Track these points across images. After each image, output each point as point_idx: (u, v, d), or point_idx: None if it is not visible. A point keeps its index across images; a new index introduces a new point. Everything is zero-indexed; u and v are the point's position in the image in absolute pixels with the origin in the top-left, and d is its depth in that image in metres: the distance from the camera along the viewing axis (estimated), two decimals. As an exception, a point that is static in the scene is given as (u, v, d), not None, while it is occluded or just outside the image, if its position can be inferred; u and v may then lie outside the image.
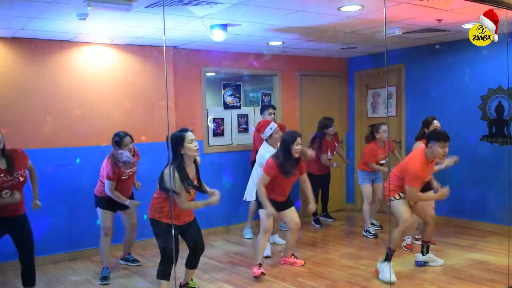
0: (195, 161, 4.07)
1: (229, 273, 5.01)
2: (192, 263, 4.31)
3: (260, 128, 5.70)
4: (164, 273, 4.00)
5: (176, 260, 4.05)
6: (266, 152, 5.32)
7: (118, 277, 4.99)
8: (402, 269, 4.86)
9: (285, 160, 4.73)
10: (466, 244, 5.73)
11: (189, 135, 3.88)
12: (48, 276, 5.08)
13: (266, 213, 4.83)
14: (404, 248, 5.53)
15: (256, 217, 6.16)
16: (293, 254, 5.26)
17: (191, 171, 3.98)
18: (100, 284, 4.81)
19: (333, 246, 5.89)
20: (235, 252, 5.79)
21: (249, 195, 5.97)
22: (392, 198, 4.62)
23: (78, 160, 5.66)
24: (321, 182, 7.04)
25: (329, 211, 7.42)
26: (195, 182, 4.02)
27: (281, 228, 6.42)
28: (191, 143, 3.86)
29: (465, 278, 4.56)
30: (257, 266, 4.84)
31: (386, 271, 4.54)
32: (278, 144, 5.12)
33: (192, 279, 4.45)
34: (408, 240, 5.64)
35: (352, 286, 4.48)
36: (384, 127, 6.14)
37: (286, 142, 4.75)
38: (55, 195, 5.49)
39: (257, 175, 5.52)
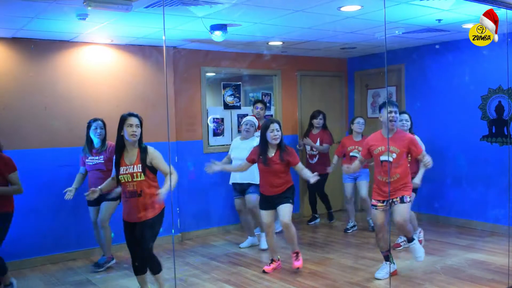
0: (145, 149, 3.97)
1: (229, 273, 5.01)
2: (135, 268, 4.06)
3: None
4: (133, 269, 4.07)
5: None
6: (233, 141, 5.90)
7: (119, 277, 4.99)
8: (401, 269, 4.86)
9: (261, 146, 4.85)
10: (466, 244, 5.73)
11: (130, 119, 3.91)
12: (48, 276, 5.07)
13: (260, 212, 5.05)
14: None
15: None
16: (296, 254, 5.02)
17: (130, 155, 3.94)
18: (94, 271, 5.16)
19: (333, 246, 5.89)
20: (235, 252, 5.79)
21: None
22: (373, 204, 4.60)
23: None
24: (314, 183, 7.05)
25: (328, 211, 7.42)
26: (134, 167, 3.90)
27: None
28: (129, 127, 3.89)
29: (465, 278, 4.56)
30: (270, 261, 5.09)
31: (381, 269, 4.68)
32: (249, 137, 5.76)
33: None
34: (399, 239, 5.68)
35: (352, 286, 4.49)
36: (357, 120, 6.44)
37: (262, 130, 4.88)
38: (55, 195, 5.48)
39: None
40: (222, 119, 6.88)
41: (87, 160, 5.13)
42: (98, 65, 5.77)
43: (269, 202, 4.91)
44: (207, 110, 6.72)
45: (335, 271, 4.94)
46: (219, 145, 6.80)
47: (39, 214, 5.40)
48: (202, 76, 6.60)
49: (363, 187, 6.39)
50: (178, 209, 6.27)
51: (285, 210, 4.83)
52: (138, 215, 3.92)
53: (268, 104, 7.20)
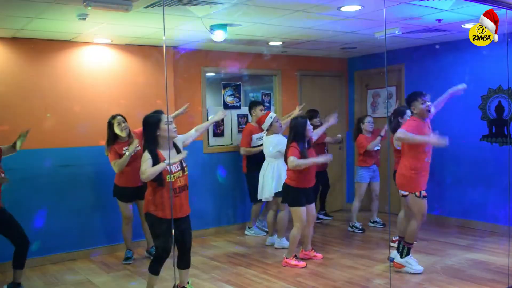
0: (175, 144, 4.06)
1: (229, 273, 5.01)
2: (181, 263, 4.20)
3: (261, 119, 5.88)
4: (153, 268, 4.04)
5: (168, 255, 4.06)
6: (278, 140, 5.64)
7: (118, 277, 4.99)
8: (401, 269, 4.86)
9: (300, 142, 4.98)
10: (466, 244, 5.73)
11: (165, 117, 3.93)
12: (48, 276, 5.07)
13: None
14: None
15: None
16: (313, 248, 5.37)
17: (167, 153, 3.87)
18: (123, 263, 5.37)
19: (333, 246, 5.89)
20: (235, 252, 5.79)
21: (264, 194, 5.88)
22: (407, 193, 4.64)
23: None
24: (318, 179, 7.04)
25: (329, 211, 7.43)
26: (182, 162, 3.97)
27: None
28: (170, 125, 3.90)
29: (465, 278, 4.56)
30: (295, 258, 5.13)
31: (413, 263, 4.73)
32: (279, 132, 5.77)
33: (188, 282, 4.28)
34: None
35: (352, 286, 4.49)
36: (368, 118, 6.50)
37: (299, 126, 5.01)
38: (54, 195, 5.49)
39: (274, 170, 5.69)
40: (222, 119, 6.87)
41: (124, 151, 5.16)
42: (98, 65, 5.77)
43: (308, 195, 5.10)
44: (207, 110, 6.72)
45: (335, 271, 4.95)
46: (219, 145, 6.80)
47: (39, 214, 5.40)
48: (202, 76, 6.60)
49: (378, 187, 6.53)
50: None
51: (313, 205, 5.26)
52: (187, 208, 4.10)
53: (268, 104, 7.20)
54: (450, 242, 5.79)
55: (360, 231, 6.49)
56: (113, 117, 5.22)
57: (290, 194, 5.06)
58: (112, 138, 5.20)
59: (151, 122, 3.92)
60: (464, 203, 6.51)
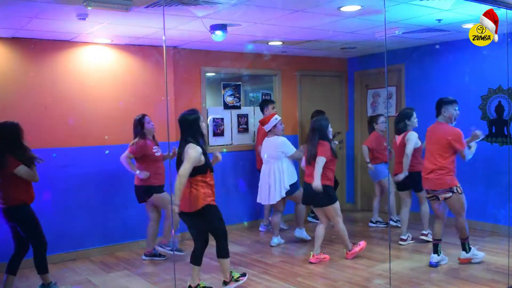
0: None
1: (229, 273, 5.01)
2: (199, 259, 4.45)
3: (265, 119, 5.91)
4: (195, 259, 4.37)
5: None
6: (282, 141, 5.73)
7: (119, 277, 4.99)
8: (401, 269, 4.87)
9: (330, 142, 5.15)
10: (466, 244, 5.73)
11: (201, 116, 4.27)
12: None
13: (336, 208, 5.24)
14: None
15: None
16: (321, 251, 5.39)
17: None
18: (143, 259, 5.52)
19: (333, 246, 5.88)
20: (235, 252, 5.78)
21: (265, 198, 5.92)
22: (455, 190, 4.77)
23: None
24: None
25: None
26: None
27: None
28: (203, 122, 4.26)
29: (465, 278, 4.56)
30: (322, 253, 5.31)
31: (477, 253, 4.99)
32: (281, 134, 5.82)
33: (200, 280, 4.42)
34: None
35: (352, 286, 4.49)
36: (381, 118, 6.54)
37: (323, 129, 5.13)
38: (54, 196, 5.49)
39: (281, 172, 5.72)
40: (222, 119, 6.88)
41: (154, 149, 5.31)
42: (98, 65, 5.77)
43: None
44: (207, 110, 6.72)
45: (335, 271, 4.95)
46: (219, 145, 6.80)
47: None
48: (202, 76, 6.60)
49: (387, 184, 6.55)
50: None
51: None
52: None
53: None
54: (450, 242, 5.78)
55: (384, 226, 6.64)
56: (143, 115, 5.33)
57: (330, 193, 5.18)
58: (142, 135, 5.28)
59: (192, 119, 4.16)
60: (464, 203, 6.50)
